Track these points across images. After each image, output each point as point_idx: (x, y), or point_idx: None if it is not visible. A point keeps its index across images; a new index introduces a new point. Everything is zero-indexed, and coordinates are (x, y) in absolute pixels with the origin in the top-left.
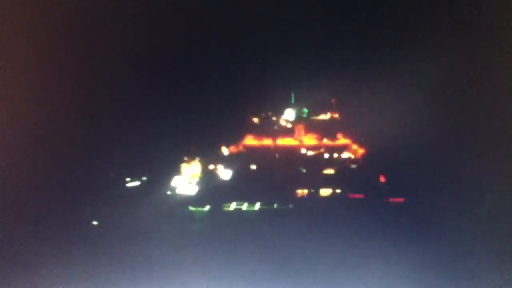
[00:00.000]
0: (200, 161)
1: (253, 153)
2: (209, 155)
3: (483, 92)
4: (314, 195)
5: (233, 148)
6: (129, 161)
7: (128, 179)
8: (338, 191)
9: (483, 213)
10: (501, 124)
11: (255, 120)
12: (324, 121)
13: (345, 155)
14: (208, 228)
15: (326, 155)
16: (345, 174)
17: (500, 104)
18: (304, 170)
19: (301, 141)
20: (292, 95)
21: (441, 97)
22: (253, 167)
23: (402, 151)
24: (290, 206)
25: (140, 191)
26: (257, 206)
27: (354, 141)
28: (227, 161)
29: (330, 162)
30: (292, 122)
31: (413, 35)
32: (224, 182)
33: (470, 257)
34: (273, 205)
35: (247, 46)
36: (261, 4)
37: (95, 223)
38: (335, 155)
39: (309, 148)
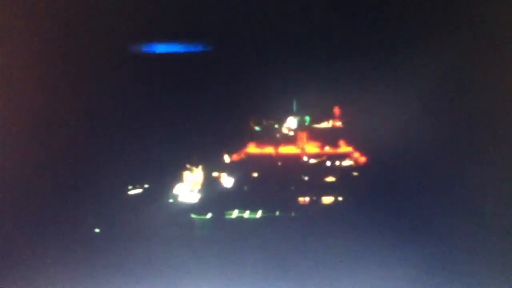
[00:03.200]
0: (202, 168)
1: (255, 161)
2: (211, 163)
3: (491, 98)
4: (316, 203)
5: (235, 156)
6: (131, 169)
7: (130, 187)
8: (340, 198)
9: (486, 220)
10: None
11: (257, 128)
12: (326, 129)
13: (347, 162)
14: (210, 235)
15: (328, 163)
16: (347, 181)
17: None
18: (306, 178)
19: (303, 149)
20: (294, 103)
21: (447, 105)
22: (255, 174)
23: (405, 158)
24: (292, 213)
25: (142, 199)
26: (259, 213)
27: (356, 149)
28: (229, 169)
29: (332, 170)
30: (294, 130)
31: (418, 43)
32: (226, 189)
33: (475, 262)
34: (275, 213)
35: (249, 53)
36: (263, 11)
37: (97, 230)
38: (337, 162)
39: (311, 156)
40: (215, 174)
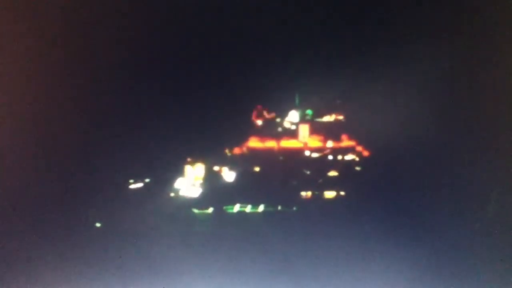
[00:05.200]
0: (204, 163)
1: (257, 155)
2: (213, 157)
3: (494, 96)
4: (318, 197)
5: (236, 150)
6: (132, 163)
7: (131, 181)
8: (342, 193)
9: (488, 216)
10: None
11: (259, 122)
12: (328, 122)
13: (350, 157)
14: (212, 230)
15: (331, 157)
16: (350, 176)
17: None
18: (308, 172)
19: (305, 143)
20: (297, 97)
21: (450, 99)
22: (257, 169)
23: (408, 153)
24: (294, 208)
25: (143, 193)
26: (261, 208)
27: (359, 143)
28: (231, 163)
29: (335, 164)
30: (296, 124)
31: (421, 36)
32: (227, 184)
33: (477, 260)
34: (277, 207)
35: (250, 47)
36: (265, 5)
37: (98, 225)
38: (340, 157)
39: (313, 150)
40: (216, 168)
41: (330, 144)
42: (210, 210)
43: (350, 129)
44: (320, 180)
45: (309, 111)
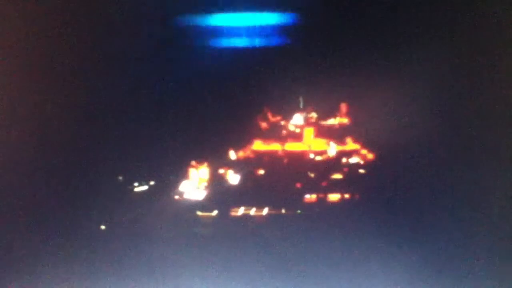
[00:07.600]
0: (208, 166)
1: (261, 158)
2: (217, 160)
3: (497, 100)
4: (322, 200)
5: (241, 153)
6: (136, 166)
7: (135, 184)
8: (347, 196)
9: (494, 218)
10: None
11: (263, 124)
12: (333, 125)
13: (354, 160)
14: (216, 232)
15: (335, 160)
16: (354, 179)
17: None
18: (312, 175)
19: (309, 146)
20: (301, 100)
21: (457, 102)
22: (261, 172)
23: (413, 156)
24: (299, 211)
25: (147, 196)
26: (265, 211)
27: (364, 146)
28: (235, 166)
29: (339, 167)
30: (300, 127)
31: (426, 41)
32: (232, 187)
33: (480, 263)
34: (281, 210)
35: (254, 49)
36: (269, 7)
37: (102, 227)
38: (344, 160)
39: (317, 153)
40: (221, 171)
41: (334, 147)
42: (215, 212)
43: (354, 131)
44: (324, 183)
45: (313, 114)
